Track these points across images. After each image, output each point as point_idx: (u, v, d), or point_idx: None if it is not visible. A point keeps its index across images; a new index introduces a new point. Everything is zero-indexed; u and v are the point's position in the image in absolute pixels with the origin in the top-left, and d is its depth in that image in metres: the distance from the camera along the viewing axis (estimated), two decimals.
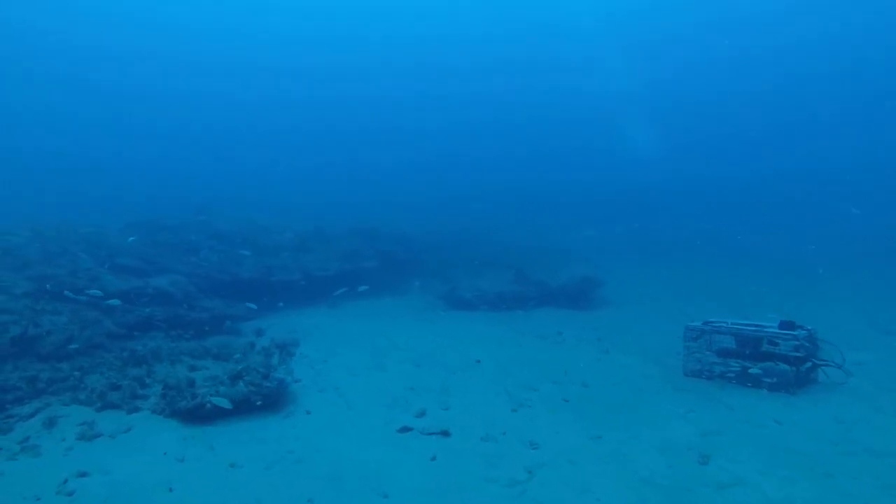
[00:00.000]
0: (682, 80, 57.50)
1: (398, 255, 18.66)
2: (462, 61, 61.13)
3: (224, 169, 53.33)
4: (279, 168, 56.23)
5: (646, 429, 6.26)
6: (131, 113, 58.91)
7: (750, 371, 7.65)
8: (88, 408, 6.93)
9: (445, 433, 6.17)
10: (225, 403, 6.24)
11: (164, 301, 10.81)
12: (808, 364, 7.54)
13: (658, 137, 50.50)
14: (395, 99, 63.64)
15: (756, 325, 8.00)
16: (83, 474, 5.16)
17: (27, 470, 5.39)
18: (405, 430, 6.30)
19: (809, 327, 7.75)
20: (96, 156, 53.43)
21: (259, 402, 6.73)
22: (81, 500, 4.71)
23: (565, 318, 13.59)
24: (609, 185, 46.90)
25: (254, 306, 11.44)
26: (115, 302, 9.69)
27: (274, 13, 59.11)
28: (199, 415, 6.52)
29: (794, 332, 7.49)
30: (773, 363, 7.59)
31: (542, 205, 38.95)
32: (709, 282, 18.24)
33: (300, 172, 55.10)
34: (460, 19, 58.11)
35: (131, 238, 13.23)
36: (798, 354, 7.39)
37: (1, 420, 6.62)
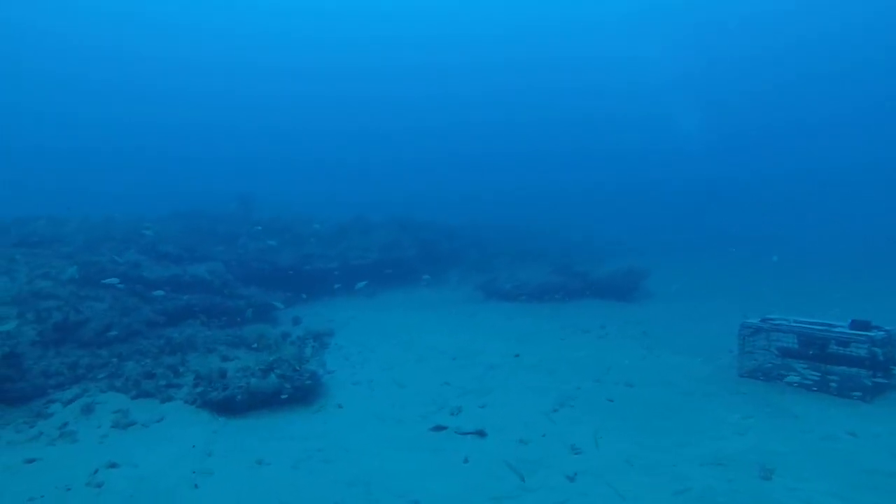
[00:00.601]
0: (702, 75, 55.84)
1: (437, 246, 18.45)
2: (491, 60, 61.03)
3: (224, 169, 53.78)
4: (279, 168, 56.57)
5: (697, 436, 5.73)
6: (131, 112, 60.00)
7: (789, 380, 6.98)
8: (124, 395, 6.98)
9: (481, 433, 5.85)
10: None
11: (203, 289, 10.90)
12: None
13: (692, 132, 49.12)
14: (420, 99, 63.94)
15: (824, 324, 7.27)
16: (113, 465, 5.12)
17: (62, 457, 5.42)
18: (439, 428, 6.01)
19: (888, 328, 6.96)
20: (96, 155, 54.65)
21: (285, 396, 6.58)
22: (108, 493, 4.65)
23: (608, 310, 13.02)
24: (643, 181, 45.86)
25: (281, 305, 11.36)
26: (159, 293, 9.84)
27: (276, 13, 59.15)
28: (230, 407, 6.44)
29: (870, 334, 6.74)
30: (848, 367, 6.85)
31: (567, 201, 38.56)
32: (756, 279, 17.14)
33: (299, 173, 55.32)
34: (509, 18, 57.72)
35: (169, 226, 13.46)
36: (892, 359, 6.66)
37: (43, 405, 6.75)
